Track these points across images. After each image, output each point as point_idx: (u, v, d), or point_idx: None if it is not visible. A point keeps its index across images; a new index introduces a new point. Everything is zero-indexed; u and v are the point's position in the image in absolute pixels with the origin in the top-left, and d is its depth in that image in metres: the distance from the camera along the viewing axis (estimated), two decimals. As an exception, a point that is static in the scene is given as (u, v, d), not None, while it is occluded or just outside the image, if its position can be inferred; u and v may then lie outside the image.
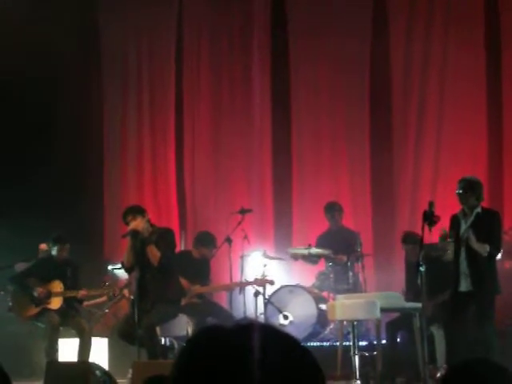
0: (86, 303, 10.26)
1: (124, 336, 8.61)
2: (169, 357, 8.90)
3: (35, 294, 9.40)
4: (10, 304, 9.81)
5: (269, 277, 10.10)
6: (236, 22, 12.31)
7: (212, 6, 12.34)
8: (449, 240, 7.88)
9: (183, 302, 9.49)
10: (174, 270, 8.74)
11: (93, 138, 12.56)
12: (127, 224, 8.52)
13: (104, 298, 10.30)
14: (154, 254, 8.33)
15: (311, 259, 10.64)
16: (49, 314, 9.38)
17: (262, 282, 10.01)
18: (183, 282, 9.58)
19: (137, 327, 8.20)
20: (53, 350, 9.26)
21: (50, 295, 9.42)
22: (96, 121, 12.57)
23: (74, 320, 9.42)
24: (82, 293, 9.46)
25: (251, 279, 10.08)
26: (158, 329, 8.59)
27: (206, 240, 10.03)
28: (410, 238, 9.08)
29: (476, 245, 7.73)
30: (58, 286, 9.48)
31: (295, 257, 10.67)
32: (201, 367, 1.51)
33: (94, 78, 12.44)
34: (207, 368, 1.50)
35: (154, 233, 8.50)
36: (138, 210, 8.64)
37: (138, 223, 8.41)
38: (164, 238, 8.54)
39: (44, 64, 11.67)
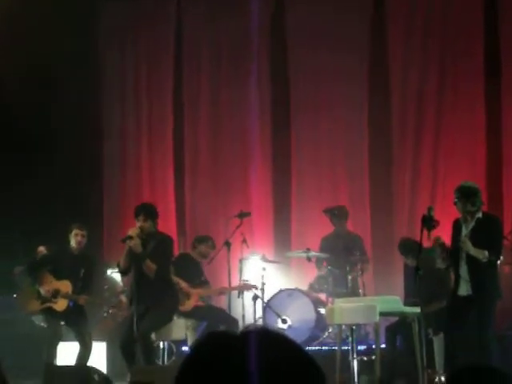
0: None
1: (124, 350, 8.44)
2: (167, 361, 8.89)
3: (42, 291, 9.28)
4: (16, 295, 9.77)
5: (252, 281, 10.11)
6: (235, 39, 12.33)
7: (211, 23, 12.37)
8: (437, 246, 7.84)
9: (189, 305, 9.54)
10: (171, 279, 8.72)
11: (93, 142, 12.58)
12: (135, 217, 8.45)
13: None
14: (149, 267, 8.31)
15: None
16: (53, 316, 9.27)
17: (245, 287, 10.03)
18: (184, 284, 9.61)
19: (135, 329, 8.17)
20: (52, 352, 9.19)
21: (57, 295, 9.29)
22: (95, 123, 12.61)
23: (75, 323, 9.32)
24: (82, 298, 9.32)
25: (238, 283, 10.14)
26: (153, 334, 8.56)
27: (204, 238, 10.28)
28: (405, 248, 9.17)
29: (473, 251, 7.68)
30: (67, 286, 9.36)
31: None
32: (206, 372, 1.51)
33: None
34: (212, 373, 1.50)
35: (154, 239, 8.45)
36: (151, 213, 8.51)
37: (134, 230, 8.37)
38: (162, 245, 8.51)
39: (42, 91, 11.69)
